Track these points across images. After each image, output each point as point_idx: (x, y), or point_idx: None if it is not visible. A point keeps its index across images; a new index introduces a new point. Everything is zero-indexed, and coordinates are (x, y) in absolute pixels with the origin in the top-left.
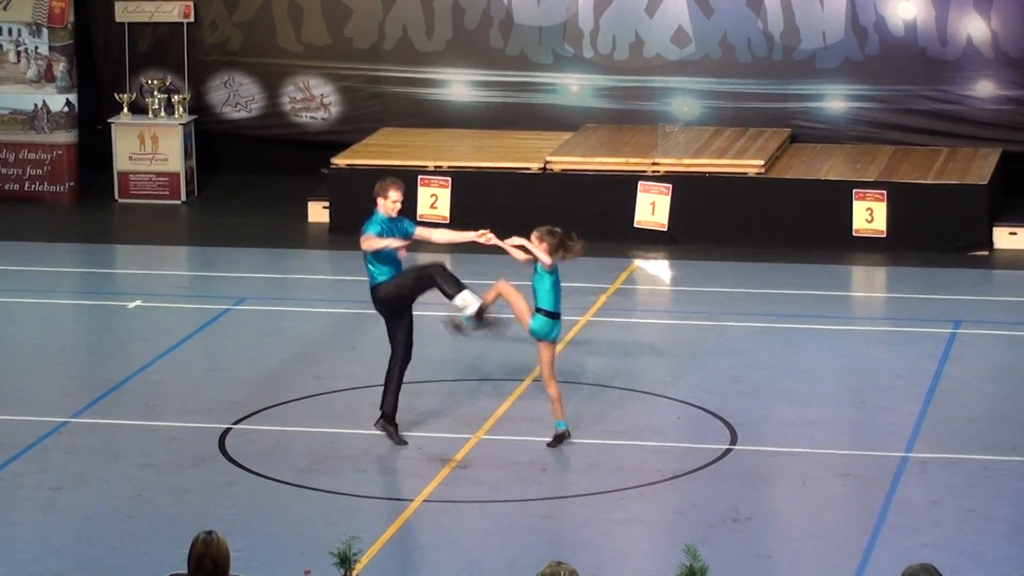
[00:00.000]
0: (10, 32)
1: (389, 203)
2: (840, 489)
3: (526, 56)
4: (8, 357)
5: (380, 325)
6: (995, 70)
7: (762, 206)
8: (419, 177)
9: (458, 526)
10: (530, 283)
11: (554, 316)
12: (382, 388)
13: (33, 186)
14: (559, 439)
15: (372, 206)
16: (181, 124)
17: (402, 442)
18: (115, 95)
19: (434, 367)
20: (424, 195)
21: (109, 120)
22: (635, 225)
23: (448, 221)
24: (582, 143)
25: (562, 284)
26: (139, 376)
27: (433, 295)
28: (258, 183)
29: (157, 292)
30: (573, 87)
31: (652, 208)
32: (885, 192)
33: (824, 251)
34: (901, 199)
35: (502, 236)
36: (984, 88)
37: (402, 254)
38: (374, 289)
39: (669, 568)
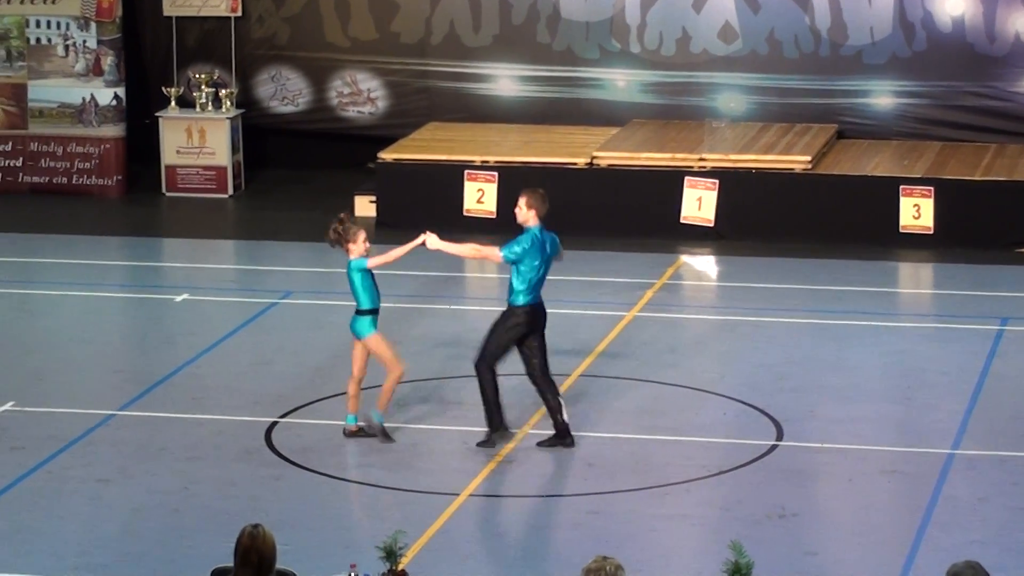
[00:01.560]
0: (58, 26)
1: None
2: (886, 486)
3: (573, 51)
4: (55, 350)
5: (425, 319)
6: None
7: (809, 202)
8: (466, 172)
9: (504, 521)
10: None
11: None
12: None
13: (81, 179)
14: (355, 433)
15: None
16: (228, 118)
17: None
18: (163, 89)
19: None
20: (471, 190)
21: (157, 114)
22: (681, 220)
23: (495, 216)
24: (629, 138)
25: (607, 280)
26: (186, 369)
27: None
28: (305, 177)
29: (204, 286)
30: (620, 82)
31: (699, 203)
32: (932, 188)
33: (871, 247)
34: (948, 196)
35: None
36: None
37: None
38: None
39: (715, 564)
